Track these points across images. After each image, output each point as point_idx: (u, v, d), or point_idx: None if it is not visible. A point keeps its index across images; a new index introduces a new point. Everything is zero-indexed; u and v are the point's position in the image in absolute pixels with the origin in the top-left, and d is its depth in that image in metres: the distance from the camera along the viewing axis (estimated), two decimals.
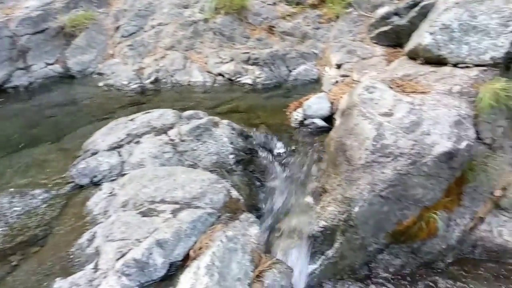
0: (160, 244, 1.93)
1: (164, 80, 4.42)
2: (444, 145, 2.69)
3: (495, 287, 2.68)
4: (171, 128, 2.92)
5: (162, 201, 2.21)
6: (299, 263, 2.62)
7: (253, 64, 4.37)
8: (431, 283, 2.73)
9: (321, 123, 3.43)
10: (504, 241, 2.84)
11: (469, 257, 2.90)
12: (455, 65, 3.16)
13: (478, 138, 3.04)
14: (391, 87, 3.14)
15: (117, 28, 5.05)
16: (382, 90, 3.06)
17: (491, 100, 2.97)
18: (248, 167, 3.05)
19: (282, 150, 3.27)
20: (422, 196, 2.74)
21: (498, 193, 2.96)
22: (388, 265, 2.81)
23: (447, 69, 3.18)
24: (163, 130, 2.90)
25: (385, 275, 2.79)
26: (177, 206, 2.18)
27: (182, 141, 2.83)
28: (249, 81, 4.29)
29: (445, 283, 2.73)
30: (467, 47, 3.10)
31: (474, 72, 3.05)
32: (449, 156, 2.70)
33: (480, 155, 3.01)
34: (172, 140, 2.82)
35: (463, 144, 2.72)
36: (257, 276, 2.05)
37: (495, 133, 3.08)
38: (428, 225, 2.79)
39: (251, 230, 2.24)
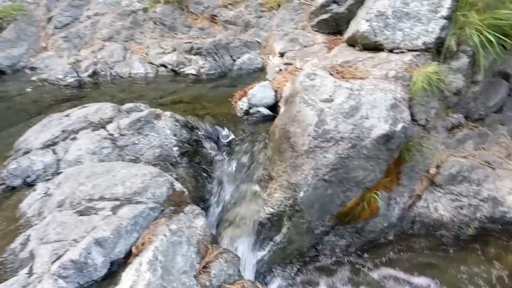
0: (99, 242, 1.85)
1: (103, 72, 4.23)
2: (381, 128, 2.80)
3: (432, 259, 2.85)
4: (109, 122, 2.81)
5: (101, 199, 2.12)
6: (248, 251, 2.64)
7: (196, 54, 4.29)
8: (374, 260, 2.85)
9: (266, 111, 3.45)
10: (440, 215, 3.02)
11: (409, 232, 3.05)
12: (390, 50, 3.28)
13: (413, 119, 3.20)
14: (331, 74, 3.21)
15: (50, 19, 4.75)
16: (323, 77, 3.12)
17: (424, 83, 3.12)
18: (194, 158, 3.00)
19: (228, 140, 3.25)
20: (363, 177, 2.85)
21: (432, 171, 3.13)
22: (335, 246, 2.90)
23: (383, 54, 3.29)
24: (101, 125, 2.77)
25: (332, 255, 2.88)
26: (117, 202, 2.10)
27: (122, 135, 2.72)
28: (193, 72, 4.21)
29: (388, 258, 2.87)
30: (401, 33, 3.22)
31: (408, 57, 3.18)
32: (386, 138, 2.81)
33: (415, 136, 3.16)
34: (111, 134, 2.71)
35: (399, 126, 2.84)
36: (204, 267, 2.03)
37: (428, 115, 3.25)
38: (370, 205, 2.90)
39: (196, 222, 2.21)
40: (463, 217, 3.02)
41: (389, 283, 2.67)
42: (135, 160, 2.67)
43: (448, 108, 3.41)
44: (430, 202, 3.06)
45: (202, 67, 4.21)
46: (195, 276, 1.96)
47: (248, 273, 2.56)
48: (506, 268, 2.77)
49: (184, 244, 2.03)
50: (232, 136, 3.27)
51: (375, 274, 2.73)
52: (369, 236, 2.95)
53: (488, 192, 3.04)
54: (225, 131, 3.28)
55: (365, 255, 2.89)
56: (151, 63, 4.33)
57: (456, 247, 2.95)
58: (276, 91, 3.55)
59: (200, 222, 2.23)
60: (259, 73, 4.22)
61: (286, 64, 4.01)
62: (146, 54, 4.38)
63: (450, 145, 3.29)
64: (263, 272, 2.71)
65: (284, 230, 2.75)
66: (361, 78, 3.18)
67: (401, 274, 2.74)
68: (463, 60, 3.24)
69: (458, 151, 3.26)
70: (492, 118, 3.52)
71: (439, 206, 3.04)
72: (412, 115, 3.16)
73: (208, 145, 3.16)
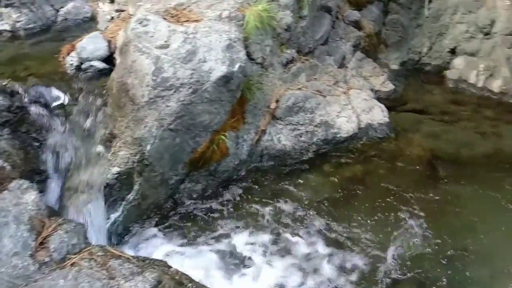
0: None
1: None
2: (220, 70, 2.83)
3: (280, 185, 3.12)
4: None
5: None
6: (98, 215, 2.50)
7: (7, 6, 3.63)
8: (230, 196, 3.00)
9: (101, 65, 3.16)
10: (283, 145, 3.29)
11: (259, 166, 3.27)
12: None
13: (251, 58, 3.30)
14: (165, 18, 3.06)
15: None
16: (156, 21, 2.96)
17: (256, 22, 3.20)
18: (19, 128, 2.64)
19: (60, 102, 2.91)
20: (210, 121, 2.89)
21: (273, 105, 3.34)
22: (191, 192, 2.95)
23: None
24: None
25: (190, 201, 2.93)
26: None
27: None
28: (7, 27, 3.58)
29: (242, 192, 3.04)
30: None
31: None
32: (226, 79, 2.86)
33: (254, 74, 3.29)
34: None
35: (236, 67, 2.91)
36: (41, 243, 1.86)
37: (264, 52, 3.39)
38: (220, 147, 2.99)
39: (26, 198, 1.98)
40: (303, 143, 3.34)
41: (244, 217, 2.84)
42: None
43: (282, 44, 3.60)
44: (274, 135, 3.29)
45: (18, 21, 3.60)
46: (31, 255, 1.78)
47: (102, 238, 2.45)
48: (339, 181, 3.19)
49: (11, 224, 1.81)
50: (64, 97, 2.94)
51: (231, 211, 2.87)
52: (223, 176, 3.07)
53: (321, 117, 3.40)
54: (55, 92, 2.93)
55: (221, 194, 3.01)
56: None
57: (299, 171, 3.27)
58: (109, 42, 3.27)
59: (31, 196, 2.00)
60: (89, 23, 3.81)
61: (118, 10, 3.69)
62: None
63: (287, 80, 3.53)
64: (120, 233, 2.62)
65: (136, 187, 2.67)
66: (196, 21, 3.11)
67: (255, 205, 2.94)
68: None
69: (294, 84, 3.53)
70: (320, 50, 3.86)
71: (282, 137, 3.30)
72: (248, 54, 3.25)
73: (36, 110, 2.79)
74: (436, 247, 2.66)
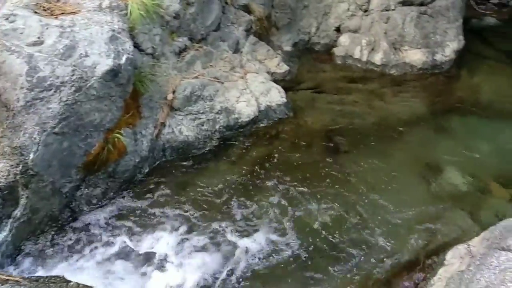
0: None
1: None
2: (105, 64, 2.66)
3: (187, 178, 3.05)
4: None
5: None
6: None
7: None
8: (134, 196, 2.86)
9: None
10: (185, 136, 3.21)
11: (163, 160, 3.17)
12: None
13: (140, 49, 3.15)
14: (36, 12, 2.78)
15: None
16: (25, 16, 2.68)
17: (141, 11, 3.06)
18: None
19: None
20: (101, 119, 2.71)
21: (170, 96, 3.24)
22: (90, 197, 2.75)
23: None
24: None
25: (90, 207, 2.74)
26: None
27: None
28: None
29: (146, 191, 2.92)
30: None
31: None
32: (113, 73, 2.70)
33: (145, 65, 3.16)
34: None
35: (123, 59, 2.76)
36: None
37: (154, 42, 3.26)
38: (116, 145, 2.82)
39: None
40: (205, 132, 3.30)
41: (150, 217, 2.73)
42: None
43: (172, 33, 3.50)
44: (174, 127, 3.20)
45: None
46: None
47: None
48: (246, 165, 3.21)
49: None
50: None
51: (135, 212, 2.74)
52: (124, 177, 2.91)
53: (221, 104, 3.38)
54: None
55: (124, 196, 2.85)
56: None
57: (206, 160, 3.23)
58: None
59: None
60: None
61: None
62: None
63: (182, 69, 3.44)
64: (10, 254, 2.35)
65: (22, 201, 2.40)
66: (73, 13, 2.88)
67: (162, 202, 2.84)
68: None
69: (190, 73, 3.45)
70: (213, 36, 3.82)
71: (183, 128, 3.22)
72: (136, 45, 3.11)
73: None
74: (339, 215, 2.83)
